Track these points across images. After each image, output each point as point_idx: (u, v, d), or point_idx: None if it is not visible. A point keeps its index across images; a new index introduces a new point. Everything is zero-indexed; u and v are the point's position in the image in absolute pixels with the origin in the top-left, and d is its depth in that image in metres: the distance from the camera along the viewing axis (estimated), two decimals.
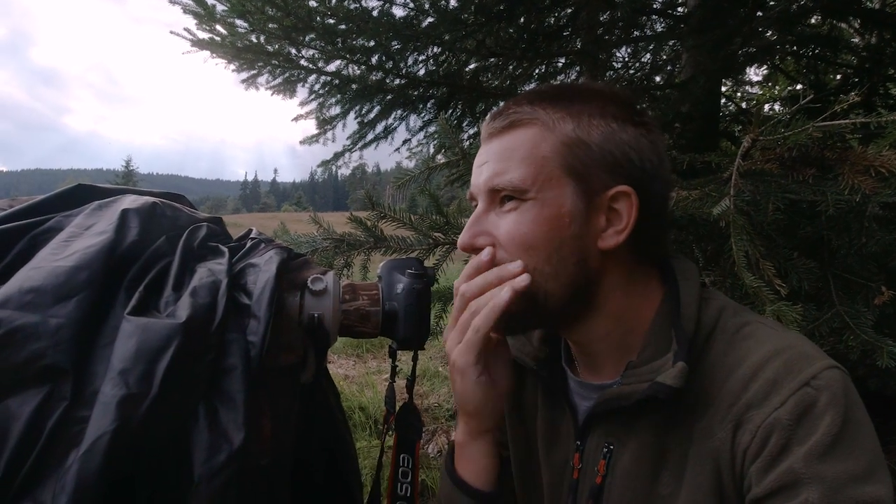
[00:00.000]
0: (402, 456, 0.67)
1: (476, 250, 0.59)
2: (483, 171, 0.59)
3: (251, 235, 0.66)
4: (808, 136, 0.78)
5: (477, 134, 2.68)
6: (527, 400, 0.70)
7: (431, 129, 2.49)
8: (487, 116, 0.61)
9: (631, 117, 0.57)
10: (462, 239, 0.59)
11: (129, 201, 0.56)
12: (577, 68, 2.78)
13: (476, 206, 0.61)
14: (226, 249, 0.57)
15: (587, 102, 0.57)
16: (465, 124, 2.67)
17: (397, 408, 0.71)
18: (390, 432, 0.73)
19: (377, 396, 2.73)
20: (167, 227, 0.56)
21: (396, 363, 0.75)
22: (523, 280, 0.55)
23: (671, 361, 0.52)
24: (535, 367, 0.66)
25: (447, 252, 1.08)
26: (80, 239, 0.50)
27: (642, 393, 0.53)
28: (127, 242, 0.51)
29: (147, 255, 0.52)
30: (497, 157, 0.58)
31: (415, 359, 0.71)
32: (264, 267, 0.57)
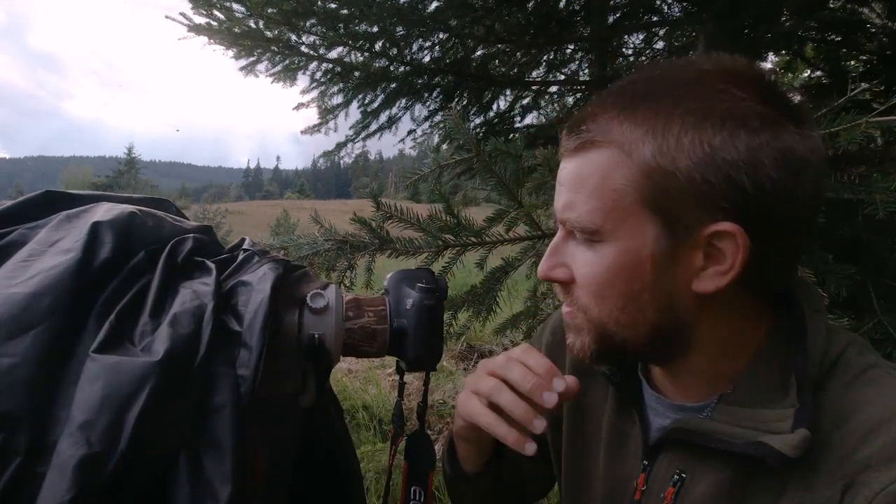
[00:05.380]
0: (413, 489, 0.61)
1: (561, 283, 0.53)
2: (560, 194, 0.51)
3: (244, 246, 0.59)
4: (861, 131, 0.70)
5: (485, 124, 2.60)
6: (592, 401, 0.63)
7: (437, 118, 2.41)
8: (566, 124, 0.51)
9: (751, 117, 0.43)
10: (541, 269, 0.53)
11: (103, 212, 0.49)
12: (589, 56, 2.69)
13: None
14: (213, 266, 0.50)
15: (679, 104, 0.44)
16: (471, 113, 2.59)
17: (408, 432, 0.65)
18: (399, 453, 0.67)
19: (381, 394, 2.68)
20: (147, 241, 0.50)
21: (404, 380, 0.69)
22: (535, 429, 0.50)
23: (790, 422, 0.43)
24: (606, 372, 0.59)
25: (457, 255, 1.01)
26: (43, 258, 0.44)
27: (743, 448, 0.45)
28: (98, 261, 0.44)
29: (123, 275, 0.46)
30: (569, 184, 0.49)
31: (426, 382, 0.64)
32: (258, 286, 0.50)
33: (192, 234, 0.54)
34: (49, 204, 0.51)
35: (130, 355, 0.39)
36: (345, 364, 3.47)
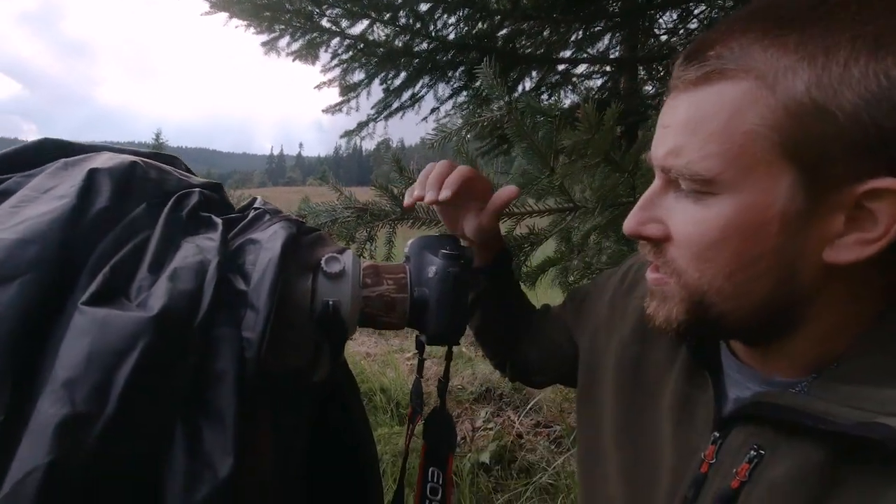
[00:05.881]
0: (430, 470, 0.57)
1: (654, 240, 0.46)
2: (663, 138, 0.43)
3: (255, 205, 0.55)
4: None
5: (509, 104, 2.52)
6: (654, 362, 0.57)
7: (461, 98, 2.34)
8: (682, 52, 0.43)
9: None
10: (628, 223, 0.46)
11: (102, 160, 0.45)
12: (619, 34, 2.59)
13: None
14: (220, 222, 0.46)
15: (848, 27, 0.35)
16: (494, 95, 2.52)
17: (426, 411, 0.61)
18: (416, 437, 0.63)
19: (400, 377, 2.66)
20: (149, 193, 0.46)
21: (424, 357, 0.64)
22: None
23: None
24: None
25: None
26: (34, 204, 0.40)
27: (852, 429, 0.38)
28: (94, 210, 0.41)
29: (120, 228, 0.42)
30: (681, 125, 0.41)
31: (448, 357, 0.60)
32: (267, 244, 0.46)
33: (198, 189, 0.49)
34: (47, 152, 0.47)
35: (124, 310, 0.35)
36: (363, 348, 3.46)
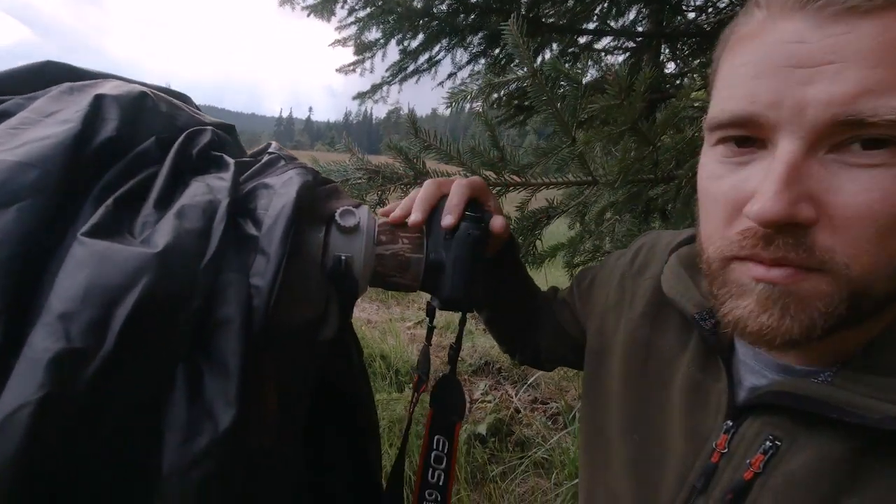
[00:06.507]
0: (436, 438, 0.55)
1: (793, 227, 0.34)
2: (832, 76, 0.32)
3: (269, 150, 0.52)
4: None
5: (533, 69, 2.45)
6: (664, 345, 0.54)
7: (479, 66, 2.27)
8: None
9: None
10: (774, 207, 0.34)
11: (111, 87, 0.42)
12: (645, 8, 2.49)
13: (725, 142, 0.38)
14: (231, 162, 0.43)
15: None
16: (513, 64, 2.44)
17: (434, 378, 0.59)
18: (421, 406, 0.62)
19: (400, 345, 2.67)
20: (159, 127, 0.43)
21: (433, 324, 0.62)
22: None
23: None
24: (695, 316, 0.49)
25: (499, 194, 0.93)
26: (36, 128, 0.37)
27: (882, 423, 0.35)
28: (100, 138, 0.38)
29: (128, 160, 0.39)
30: (867, 56, 0.31)
31: (462, 322, 0.57)
32: (281, 189, 0.43)
33: (211, 128, 0.47)
34: (50, 75, 0.44)
35: (127, 244, 0.32)
36: (364, 314, 3.47)
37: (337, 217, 0.50)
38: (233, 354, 0.35)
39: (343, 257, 0.49)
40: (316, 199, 0.51)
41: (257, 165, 0.47)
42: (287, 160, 0.50)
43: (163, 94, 0.46)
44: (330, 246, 0.50)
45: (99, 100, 0.39)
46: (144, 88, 0.43)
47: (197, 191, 0.38)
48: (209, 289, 0.35)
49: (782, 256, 0.35)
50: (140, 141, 0.40)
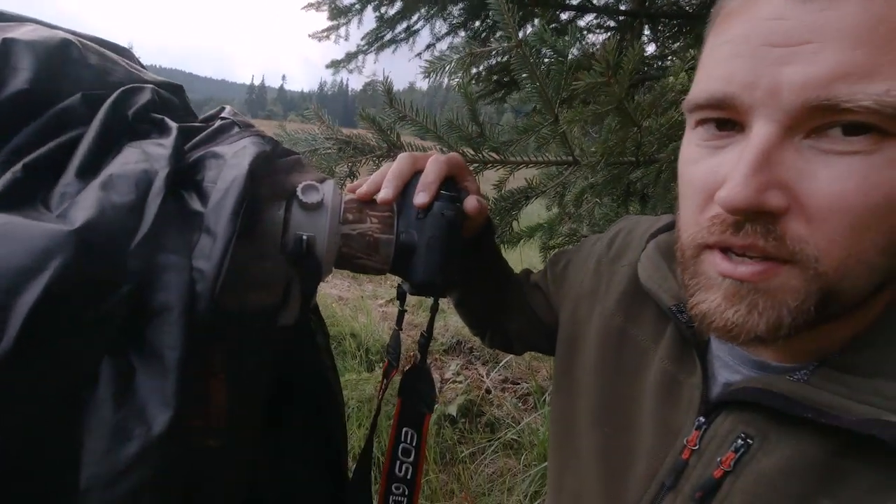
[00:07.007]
0: (405, 430, 0.52)
1: (762, 214, 0.33)
2: (811, 56, 0.30)
3: (222, 115, 0.47)
4: None
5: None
6: (639, 336, 0.52)
7: (458, 39, 2.20)
8: None
9: None
10: (740, 193, 0.32)
11: (25, 31, 0.36)
12: None
13: (705, 124, 0.36)
14: (174, 126, 0.38)
15: None
16: (496, 36, 2.37)
17: (405, 360, 0.55)
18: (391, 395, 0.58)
19: (371, 323, 2.63)
20: (87, 82, 0.37)
21: (404, 308, 0.58)
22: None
23: None
24: (672, 308, 0.48)
25: (476, 171, 0.89)
26: None
27: (860, 425, 0.34)
28: (8, 91, 0.32)
29: (45, 119, 0.33)
30: (848, 35, 0.29)
31: (434, 309, 0.53)
32: (233, 160, 0.38)
33: (151, 86, 0.41)
34: None
35: (37, 219, 0.27)
36: (336, 291, 3.41)
37: (298, 193, 0.45)
38: (171, 347, 0.30)
39: (305, 237, 0.45)
40: (275, 172, 0.46)
41: (207, 132, 0.42)
42: (242, 127, 0.44)
43: (93, 45, 0.40)
44: (290, 224, 0.45)
45: (7, 45, 0.33)
46: (69, 35, 0.37)
47: (130, 158, 0.33)
48: (142, 273, 0.30)
49: (751, 244, 0.34)
50: (62, 97, 0.34)
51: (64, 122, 0.34)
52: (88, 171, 0.32)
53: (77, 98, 0.35)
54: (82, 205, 0.29)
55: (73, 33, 0.40)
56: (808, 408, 0.37)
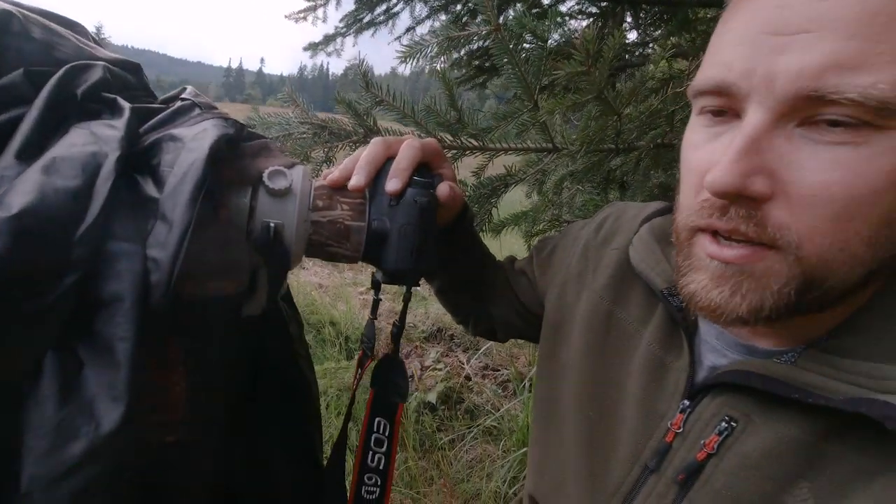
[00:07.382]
0: (377, 420, 0.51)
1: (746, 199, 0.34)
2: (793, 48, 0.31)
3: (183, 95, 0.44)
4: None
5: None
6: (626, 319, 0.52)
7: (438, 23, 2.16)
8: None
9: None
10: (725, 177, 0.33)
11: None
12: None
13: (708, 109, 0.37)
14: (127, 106, 0.36)
15: None
16: (476, 20, 2.34)
17: (378, 355, 0.54)
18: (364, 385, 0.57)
19: (351, 311, 2.61)
20: (30, 57, 0.35)
21: (379, 296, 0.57)
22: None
23: None
24: (663, 291, 0.48)
25: (454, 158, 0.87)
26: None
27: (846, 405, 0.34)
28: None
29: None
30: (845, 25, 0.30)
31: (406, 298, 0.52)
32: (192, 143, 0.36)
33: (103, 64, 0.38)
34: None
35: None
36: (315, 278, 3.37)
37: (265, 178, 0.43)
38: (122, 339, 0.29)
39: (272, 224, 0.43)
40: (240, 157, 0.44)
41: (165, 113, 0.40)
42: (204, 108, 0.42)
43: (38, 17, 0.37)
44: (257, 211, 0.43)
45: None
46: (8, 6, 0.35)
47: (77, 140, 0.31)
48: (90, 262, 0.29)
49: (734, 227, 0.35)
50: (1, 74, 0.32)
51: (3, 101, 0.32)
52: (29, 154, 0.30)
53: (18, 74, 0.33)
54: (21, 189, 0.27)
55: (16, 4, 0.38)
56: (795, 388, 0.37)
